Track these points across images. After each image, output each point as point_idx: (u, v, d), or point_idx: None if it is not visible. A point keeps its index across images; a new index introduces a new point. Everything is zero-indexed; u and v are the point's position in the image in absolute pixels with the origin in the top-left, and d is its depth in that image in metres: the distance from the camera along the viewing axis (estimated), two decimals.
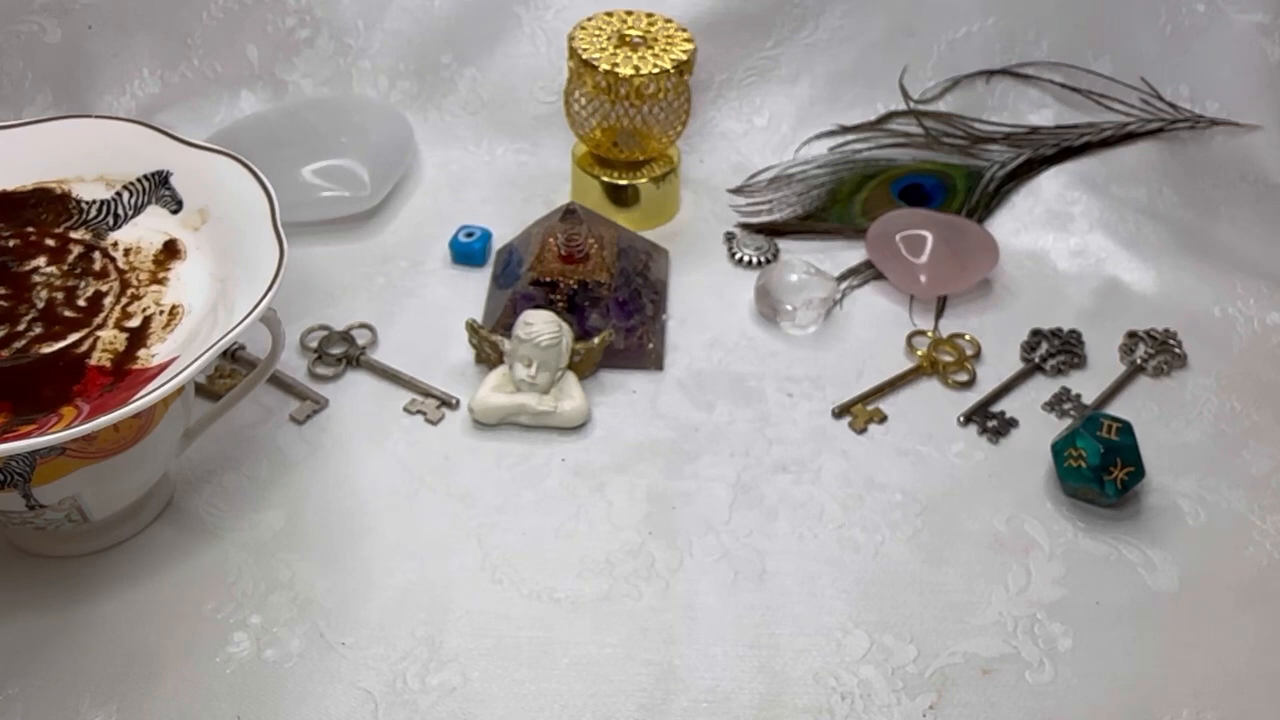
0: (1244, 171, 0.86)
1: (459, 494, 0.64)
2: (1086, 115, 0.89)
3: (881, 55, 0.90)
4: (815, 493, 0.64)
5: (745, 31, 0.88)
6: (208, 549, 0.60)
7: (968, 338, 0.75)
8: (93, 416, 0.47)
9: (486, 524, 0.62)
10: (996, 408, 0.70)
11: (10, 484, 0.52)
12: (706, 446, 0.67)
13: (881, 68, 0.90)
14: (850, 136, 0.90)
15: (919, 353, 0.73)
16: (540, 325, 0.66)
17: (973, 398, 0.71)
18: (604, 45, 0.77)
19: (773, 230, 0.83)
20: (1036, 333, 0.75)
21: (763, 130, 0.90)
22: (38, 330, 0.55)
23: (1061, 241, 0.82)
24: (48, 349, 0.54)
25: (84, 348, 0.54)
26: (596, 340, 0.69)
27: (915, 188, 0.86)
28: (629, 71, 0.75)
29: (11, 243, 0.59)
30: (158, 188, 0.61)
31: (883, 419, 0.69)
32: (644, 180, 0.82)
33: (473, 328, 0.70)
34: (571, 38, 0.78)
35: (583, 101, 0.78)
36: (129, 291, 0.57)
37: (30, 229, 0.60)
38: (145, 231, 0.60)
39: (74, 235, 0.60)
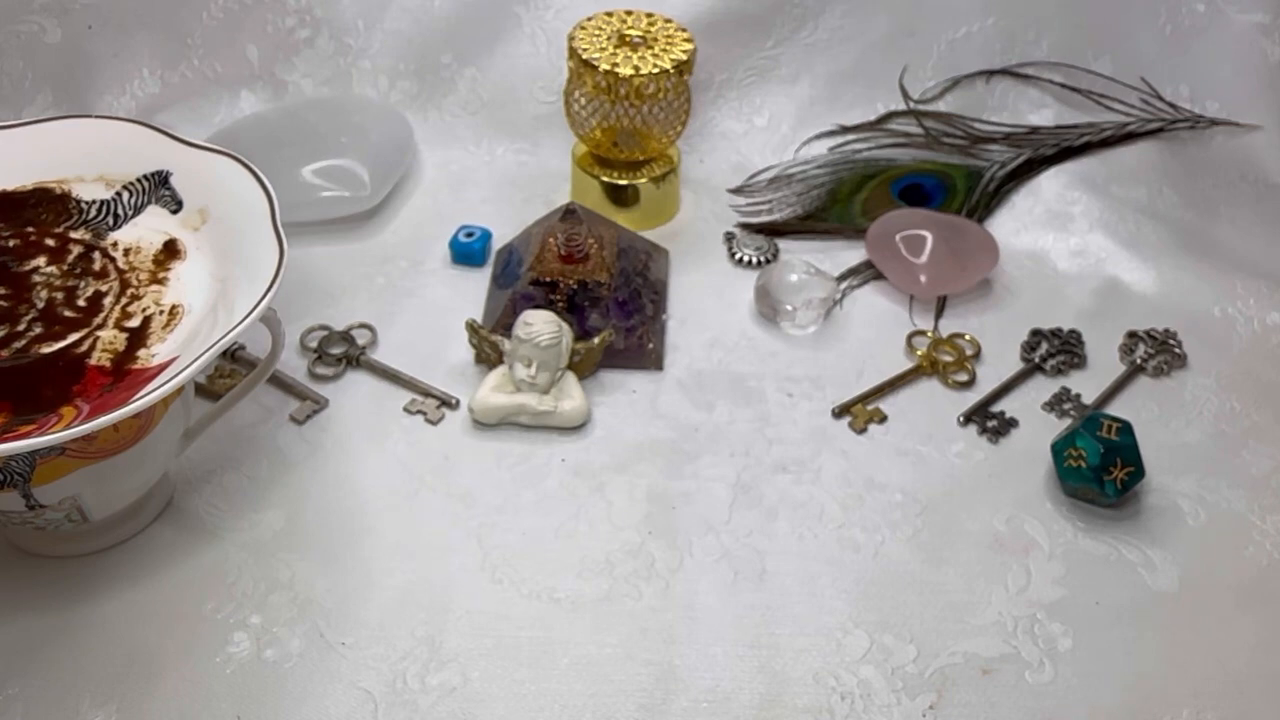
0: (1244, 171, 0.86)
1: (459, 494, 0.64)
2: (1086, 115, 0.89)
3: (881, 55, 0.90)
4: (815, 493, 0.64)
5: (745, 31, 0.88)
6: (208, 549, 0.60)
7: (968, 338, 0.75)
8: (93, 416, 0.47)
9: (486, 524, 0.62)
10: (996, 408, 0.70)
11: (10, 484, 0.52)
12: (706, 446, 0.67)
13: (881, 68, 0.90)
14: (850, 136, 0.90)
15: (919, 353, 0.73)
16: (540, 325, 0.66)
17: (973, 398, 0.71)
18: (604, 45, 0.77)
19: (773, 230, 0.83)
20: (1036, 333, 0.75)
21: (763, 130, 0.90)
22: (38, 330, 0.55)
23: (1061, 241, 0.82)
24: (48, 349, 0.54)
25: (84, 348, 0.54)
26: (596, 340, 0.69)
27: (915, 188, 0.86)
28: (629, 71, 0.75)
29: (11, 243, 0.59)
30: (158, 188, 0.61)
31: (883, 419, 0.69)
32: (644, 180, 0.82)
33: (473, 328, 0.70)
34: (571, 38, 0.78)
35: (583, 101, 0.78)
36: (129, 291, 0.57)
37: (30, 229, 0.60)
38: (145, 231, 0.60)
39: (74, 235, 0.60)
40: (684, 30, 0.79)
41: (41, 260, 0.58)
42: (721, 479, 0.65)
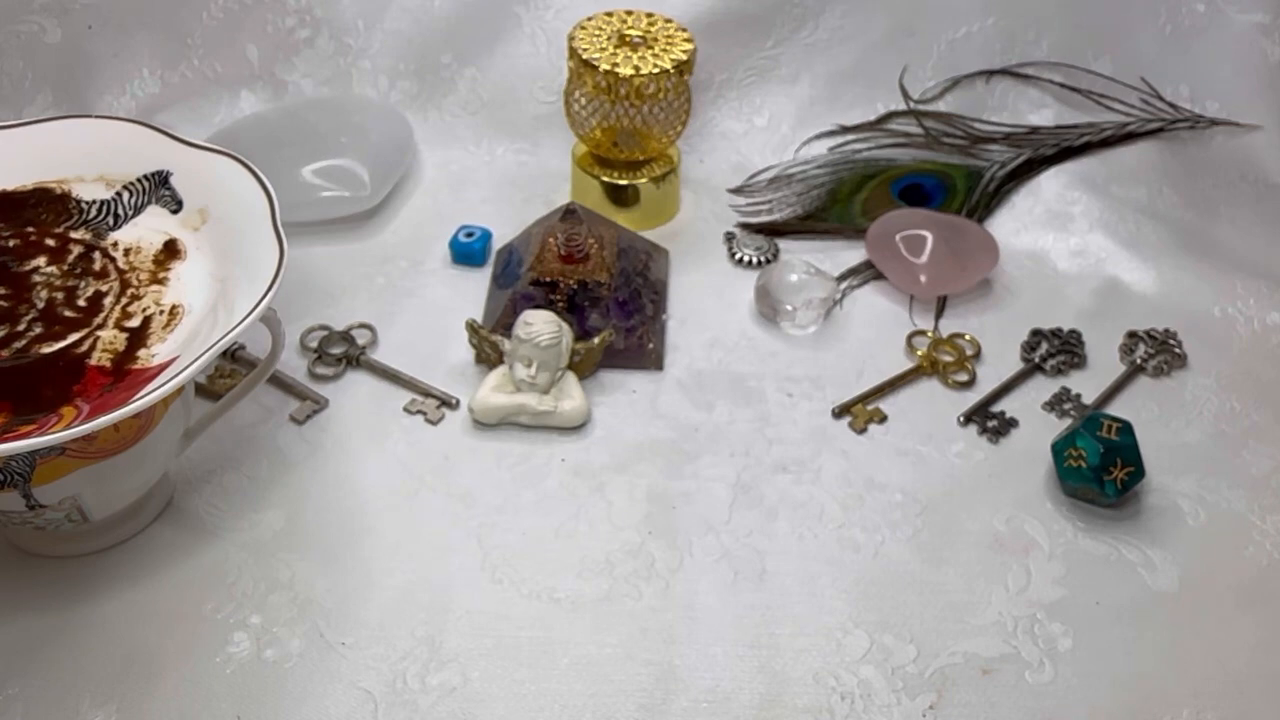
0: (1244, 171, 0.86)
1: (459, 494, 0.64)
2: (1086, 115, 0.89)
3: (881, 55, 0.90)
4: (815, 493, 0.64)
5: (745, 31, 0.88)
6: (208, 549, 0.60)
7: (968, 338, 0.75)
8: (93, 416, 0.47)
9: (486, 524, 0.62)
10: (996, 408, 0.70)
11: (10, 484, 0.52)
12: (706, 446, 0.67)
13: (881, 68, 0.90)
14: (850, 136, 0.90)
15: (919, 353, 0.73)
16: (540, 325, 0.66)
17: (973, 398, 0.71)
18: (604, 45, 0.77)
19: (773, 230, 0.83)
20: (1036, 333, 0.75)
21: (763, 130, 0.90)
22: (38, 330, 0.55)
23: (1061, 241, 0.82)
24: (48, 349, 0.54)
25: (84, 348, 0.54)
26: (596, 340, 0.69)
27: (915, 188, 0.86)
28: (629, 71, 0.75)
29: (11, 243, 0.59)
30: (158, 188, 0.61)
31: (883, 419, 0.69)
32: (644, 180, 0.82)
33: (473, 328, 0.70)
34: (571, 38, 0.78)
35: (583, 101, 0.78)
36: (129, 291, 0.57)
37: (30, 229, 0.60)
38: (145, 231, 0.60)
39: (74, 235, 0.60)
40: (684, 30, 0.79)
41: (42, 260, 0.58)
42: (721, 479, 0.65)
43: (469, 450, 0.66)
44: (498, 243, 0.80)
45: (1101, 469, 0.61)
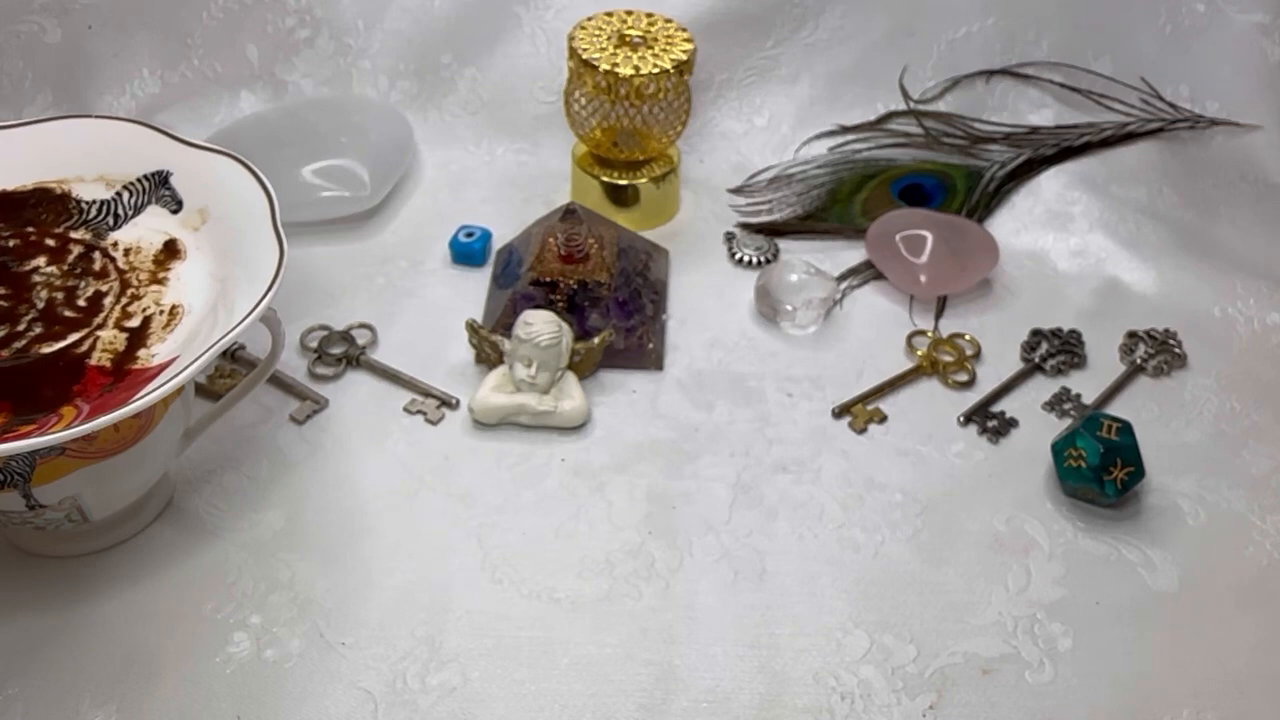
0: (1244, 171, 0.86)
1: (459, 494, 0.64)
2: (1086, 115, 0.89)
3: (881, 55, 0.90)
4: (815, 493, 0.64)
5: (745, 31, 0.88)
6: (208, 549, 0.60)
7: (968, 338, 0.75)
8: (93, 416, 0.47)
9: (486, 524, 0.62)
10: (996, 408, 0.70)
11: (10, 484, 0.52)
12: (706, 446, 0.67)
13: (881, 68, 0.90)
14: (850, 136, 0.90)
15: (919, 353, 0.73)
16: (540, 325, 0.66)
17: (973, 398, 0.71)
18: (604, 45, 0.77)
19: (773, 230, 0.83)
20: (1036, 333, 0.75)
21: (763, 130, 0.90)
22: (38, 330, 0.55)
23: (1061, 241, 0.82)
24: (48, 349, 0.54)
25: (84, 348, 0.54)
26: (596, 340, 0.69)
27: (915, 188, 0.86)
28: (629, 71, 0.75)
29: (11, 243, 0.59)
30: (158, 188, 0.61)
31: (883, 419, 0.69)
32: (644, 180, 0.82)
33: (473, 328, 0.70)
34: (571, 38, 0.78)
35: (583, 101, 0.78)
36: (129, 291, 0.57)
37: (30, 229, 0.60)
38: (145, 231, 0.60)
39: (74, 235, 0.60)
40: (684, 30, 0.79)
41: (41, 260, 0.58)
42: (721, 479, 0.65)
43: (469, 450, 0.66)
44: (498, 243, 0.80)
45: (1101, 469, 0.61)
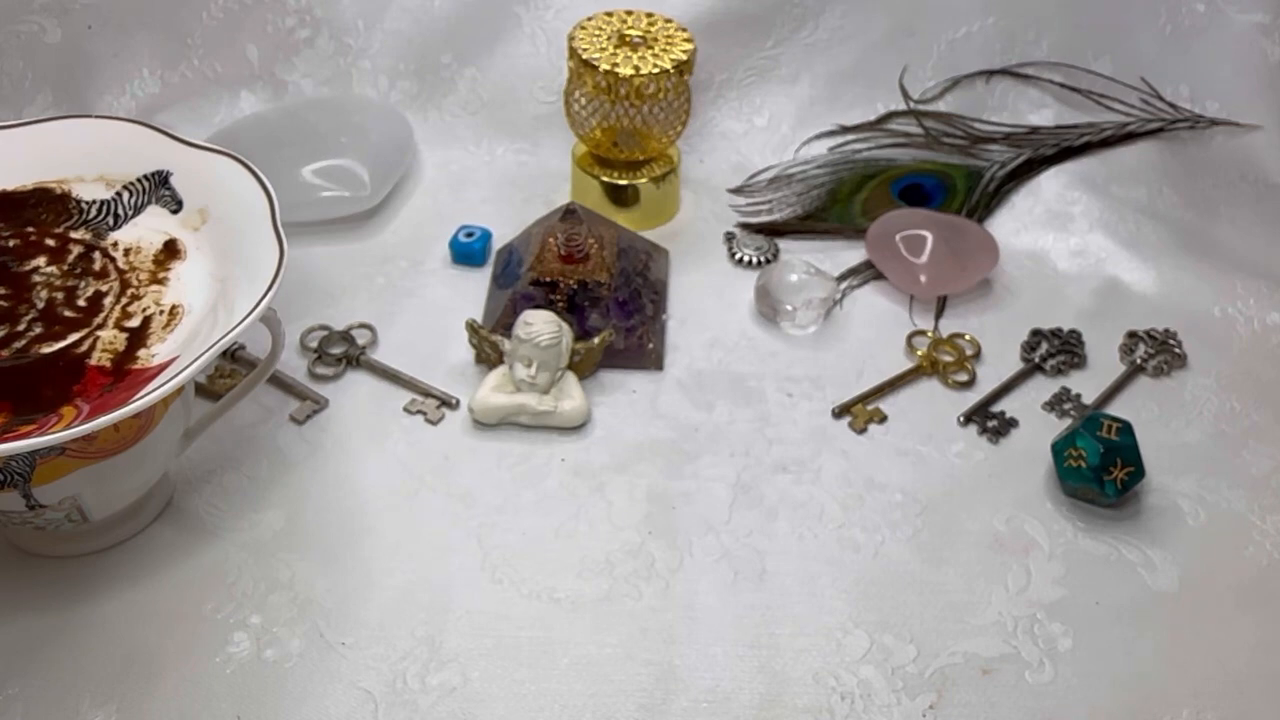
0: (1244, 171, 0.86)
1: (459, 494, 0.64)
2: (1086, 115, 0.89)
3: (881, 55, 0.90)
4: (815, 493, 0.64)
5: (745, 31, 0.88)
6: (208, 549, 0.60)
7: (968, 338, 0.75)
8: (93, 416, 0.47)
9: (486, 524, 0.62)
10: (996, 408, 0.70)
11: (10, 484, 0.52)
12: (706, 446, 0.67)
13: (881, 68, 0.90)
14: (850, 136, 0.90)
15: (919, 353, 0.73)
16: (540, 325, 0.66)
17: (973, 398, 0.71)
18: (604, 45, 0.77)
19: (773, 230, 0.83)
20: (1036, 333, 0.75)
21: (763, 130, 0.90)
22: (38, 330, 0.55)
23: (1061, 241, 0.82)
24: (48, 349, 0.54)
25: (84, 348, 0.54)
26: (596, 340, 0.69)
27: (915, 188, 0.86)
28: (629, 71, 0.75)
29: (11, 243, 0.59)
30: (158, 188, 0.61)
31: (883, 419, 0.69)
32: (644, 180, 0.82)
33: (473, 328, 0.70)
34: (571, 38, 0.78)
35: (583, 101, 0.78)
36: (129, 291, 0.57)
37: (30, 229, 0.60)
38: (145, 231, 0.60)
39: (74, 235, 0.60)
40: (684, 30, 0.79)
41: (41, 260, 0.58)
42: (721, 479, 0.65)
43: (469, 450, 0.66)
44: (498, 243, 0.80)
45: (1101, 469, 0.61)
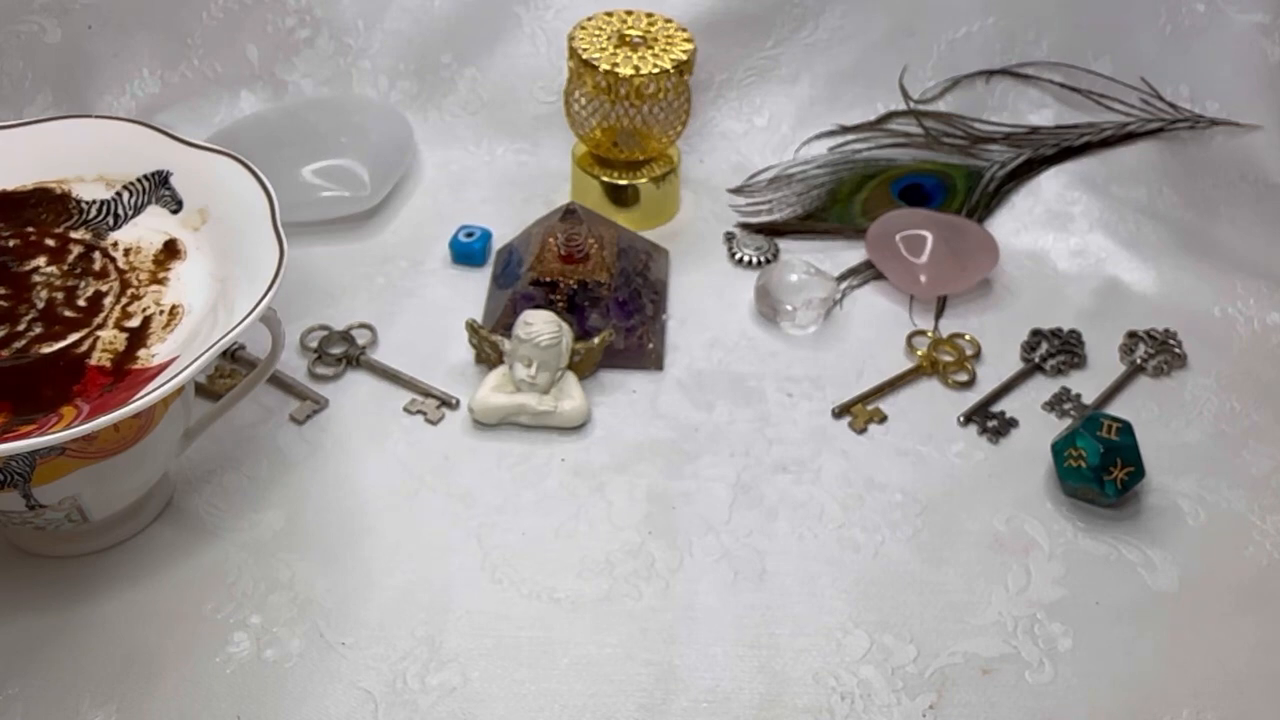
0: (1244, 171, 0.86)
1: (459, 494, 0.64)
2: (1086, 115, 0.89)
3: (881, 55, 0.90)
4: (815, 493, 0.64)
5: (745, 31, 0.88)
6: (208, 549, 0.60)
7: (968, 338, 0.75)
8: (93, 416, 0.47)
9: (486, 524, 0.62)
10: (996, 408, 0.70)
11: (10, 484, 0.52)
12: (706, 446, 0.67)
13: (881, 68, 0.90)
14: (850, 136, 0.90)
15: (919, 353, 0.73)
16: (540, 325, 0.66)
17: (973, 398, 0.71)
18: (604, 45, 0.77)
19: (773, 230, 0.83)
20: (1036, 333, 0.75)
21: (763, 130, 0.90)
22: (38, 330, 0.55)
23: (1061, 241, 0.82)
24: (48, 349, 0.54)
25: (84, 348, 0.54)
26: (596, 340, 0.69)
27: (915, 188, 0.86)
28: (629, 71, 0.75)
29: (11, 243, 0.59)
30: (158, 188, 0.61)
31: (883, 419, 0.69)
32: (644, 180, 0.82)
33: (473, 328, 0.70)
34: (571, 38, 0.78)
35: (583, 101, 0.78)
36: (129, 291, 0.57)
37: (30, 229, 0.60)
38: (145, 231, 0.60)
39: (74, 235, 0.60)
40: (684, 30, 0.79)
41: (41, 260, 0.58)
42: (721, 479, 0.65)
43: (469, 450, 0.66)
44: (498, 243, 0.80)
45: (1101, 469, 0.61)
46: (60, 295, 0.56)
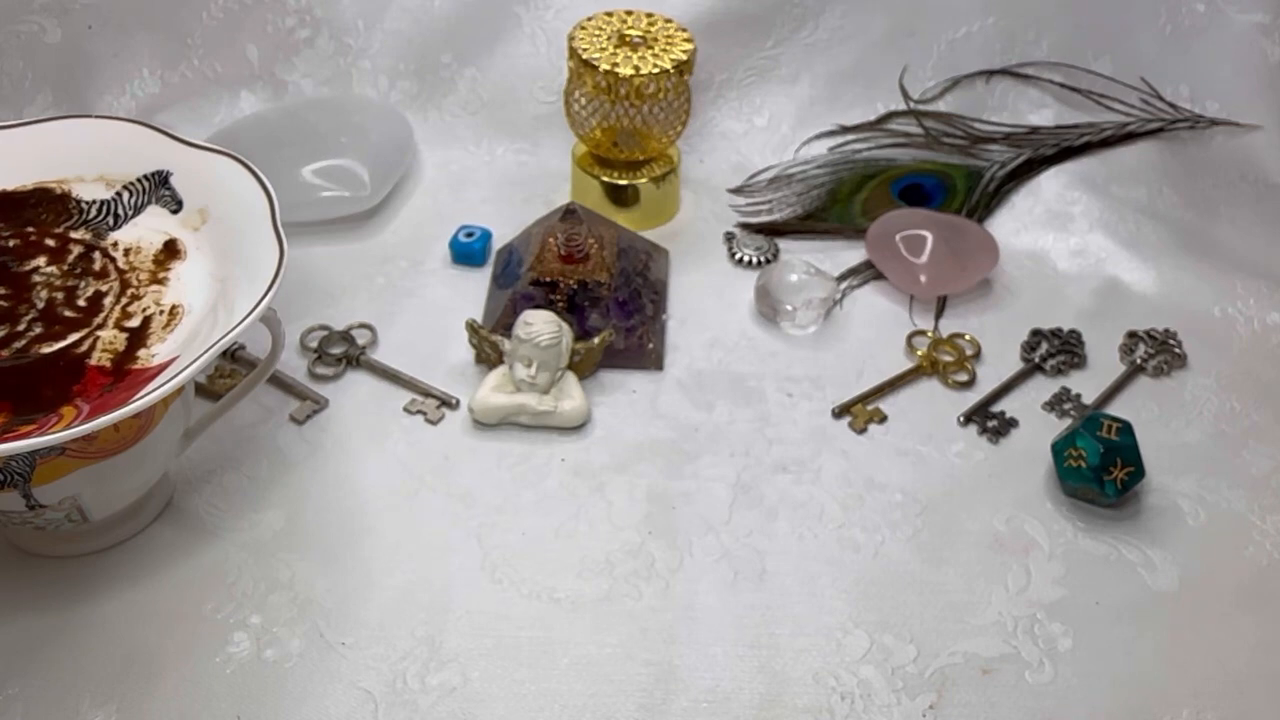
0: (1244, 171, 0.86)
1: (459, 494, 0.64)
2: (1086, 115, 0.89)
3: (881, 55, 0.90)
4: (815, 493, 0.64)
5: (745, 31, 0.88)
6: (208, 549, 0.60)
7: (968, 338, 0.75)
8: (93, 416, 0.47)
9: (486, 524, 0.62)
10: (996, 408, 0.70)
11: (10, 484, 0.52)
12: (706, 446, 0.67)
13: (881, 68, 0.90)
14: (850, 136, 0.90)
15: (919, 353, 0.73)
16: (540, 325, 0.66)
17: (973, 398, 0.71)
18: (604, 45, 0.77)
19: (773, 230, 0.83)
20: (1036, 333, 0.75)
21: (763, 130, 0.90)
22: (38, 330, 0.55)
23: (1061, 241, 0.82)
24: (48, 349, 0.54)
25: (84, 348, 0.54)
26: (596, 340, 0.69)
27: (915, 188, 0.86)
28: (629, 71, 0.75)
29: (11, 243, 0.59)
30: (158, 188, 0.61)
31: (883, 419, 0.69)
32: (644, 180, 0.82)
33: (473, 328, 0.70)
34: (571, 38, 0.78)
35: (583, 101, 0.78)
36: (129, 291, 0.57)
37: (30, 229, 0.60)
38: (145, 231, 0.60)
39: (74, 235, 0.60)
40: (684, 30, 0.79)
41: (41, 260, 0.58)
42: (721, 479, 0.65)
43: (469, 450, 0.66)
44: (498, 243, 0.80)
45: (1101, 469, 0.61)
46: (60, 295, 0.56)
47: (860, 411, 0.69)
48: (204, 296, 0.56)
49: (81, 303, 0.56)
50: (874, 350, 0.74)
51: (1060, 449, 0.64)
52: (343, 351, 0.72)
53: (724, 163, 0.89)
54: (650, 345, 0.72)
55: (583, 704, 0.54)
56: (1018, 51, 0.90)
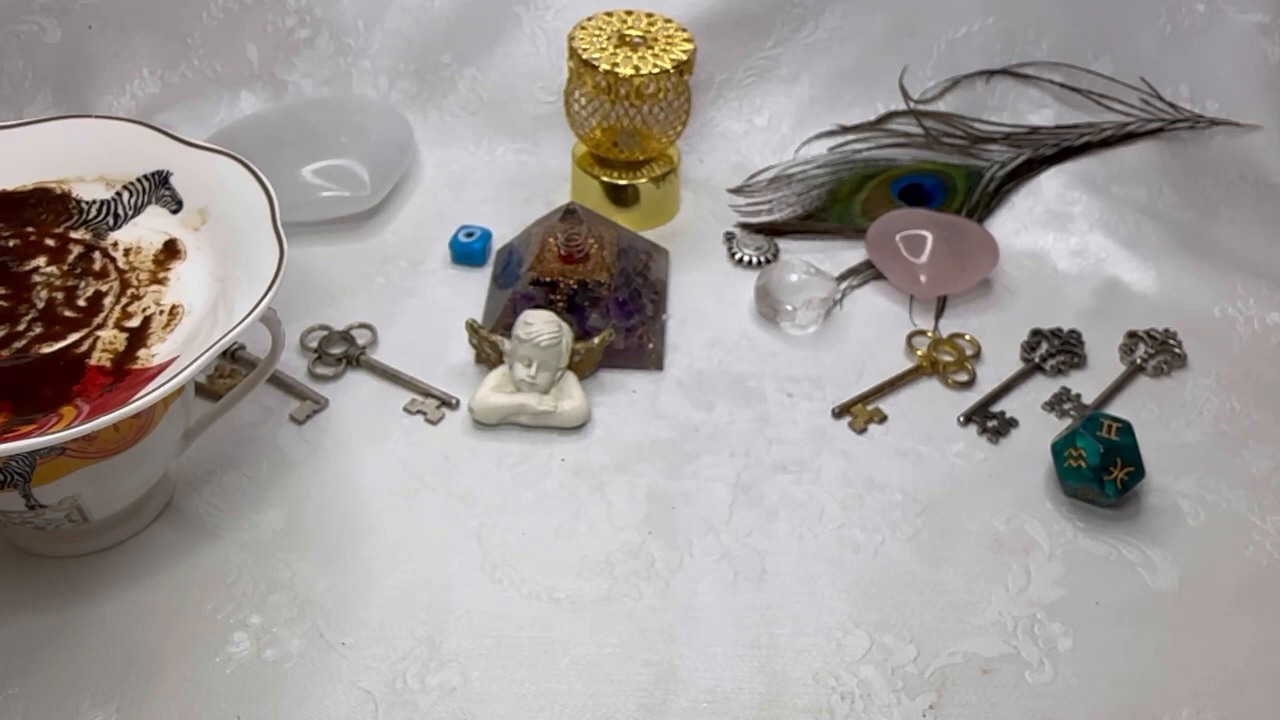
0: (1244, 171, 0.86)
1: (459, 494, 0.64)
2: (1086, 115, 0.89)
3: (881, 55, 0.90)
4: (815, 493, 0.64)
5: (745, 31, 0.88)
6: (208, 549, 0.60)
7: (968, 338, 0.75)
8: (93, 416, 0.47)
9: (486, 524, 0.62)
10: (996, 408, 0.70)
11: (10, 484, 0.52)
12: (706, 446, 0.67)
13: (881, 68, 0.90)
14: (850, 136, 0.90)
15: (919, 353, 0.73)
16: (540, 325, 0.66)
17: (973, 398, 0.71)
18: (604, 45, 0.77)
19: (773, 230, 0.83)
20: (1036, 333, 0.75)
21: (763, 130, 0.90)
22: (38, 330, 0.55)
23: (1061, 241, 0.82)
24: (48, 349, 0.54)
25: (84, 348, 0.54)
26: (596, 340, 0.69)
27: (915, 188, 0.86)
28: (629, 71, 0.75)
29: (11, 243, 0.59)
30: (158, 188, 0.61)
31: (883, 419, 0.69)
32: (644, 180, 0.82)
33: (473, 328, 0.70)
34: (571, 38, 0.78)
35: (583, 101, 0.78)
36: (129, 291, 0.57)
37: (30, 229, 0.60)
38: (145, 231, 0.60)
39: (74, 235, 0.60)
40: (684, 30, 0.79)
41: (41, 260, 0.58)
42: (721, 479, 0.65)
43: (469, 450, 0.66)
44: (498, 243, 0.80)
45: (1101, 469, 0.61)
46: (60, 295, 0.56)
47: (860, 411, 0.69)
48: (204, 296, 0.56)
49: (81, 303, 0.56)
50: (874, 350, 0.74)
51: (1060, 449, 0.64)
52: (343, 351, 0.72)
53: (724, 163, 0.89)
54: (650, 345, 0.72)
55: (583, 704, 0.54)
56: (1018, 51, 0.90)
